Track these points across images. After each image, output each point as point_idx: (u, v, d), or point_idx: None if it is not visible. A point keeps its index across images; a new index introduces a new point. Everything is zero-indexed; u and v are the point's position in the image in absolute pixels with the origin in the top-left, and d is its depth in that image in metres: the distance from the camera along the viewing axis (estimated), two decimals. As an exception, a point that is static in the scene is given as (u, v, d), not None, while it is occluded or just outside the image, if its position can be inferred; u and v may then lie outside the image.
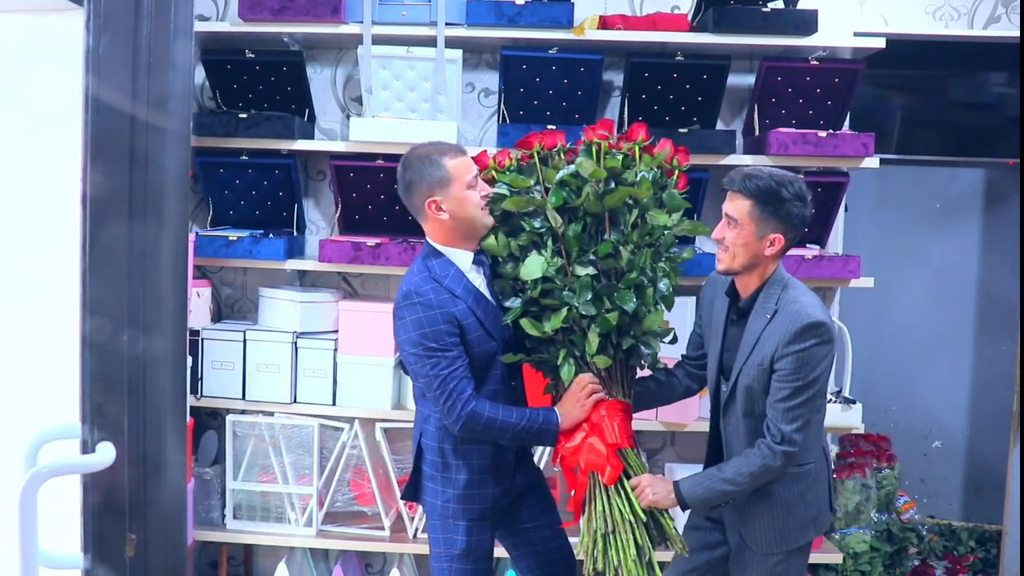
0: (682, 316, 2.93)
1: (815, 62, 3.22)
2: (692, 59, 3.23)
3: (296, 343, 3.27)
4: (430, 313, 2.20)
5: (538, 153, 2.39)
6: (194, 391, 3.29)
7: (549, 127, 3.16)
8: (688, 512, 2.41)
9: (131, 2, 1.41)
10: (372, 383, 3.24)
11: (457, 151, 2.29)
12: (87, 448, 1.41)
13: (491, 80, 3.50)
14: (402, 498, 2.48)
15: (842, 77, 3.26)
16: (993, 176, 4.20)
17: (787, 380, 2.18)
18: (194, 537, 3.30)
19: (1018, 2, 3.44)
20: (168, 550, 1.50)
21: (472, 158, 2.35)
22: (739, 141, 3.38)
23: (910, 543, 3.73)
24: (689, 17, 3.30)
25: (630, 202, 2.34)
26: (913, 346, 4.24)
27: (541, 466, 3.19)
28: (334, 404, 3.27)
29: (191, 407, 3.20)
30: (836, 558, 3.31)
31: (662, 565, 2.34)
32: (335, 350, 3.26)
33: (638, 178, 2.35)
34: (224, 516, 3.35)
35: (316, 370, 3.27)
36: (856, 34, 3.25)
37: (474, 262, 2.34)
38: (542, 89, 3.30)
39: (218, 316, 3.59)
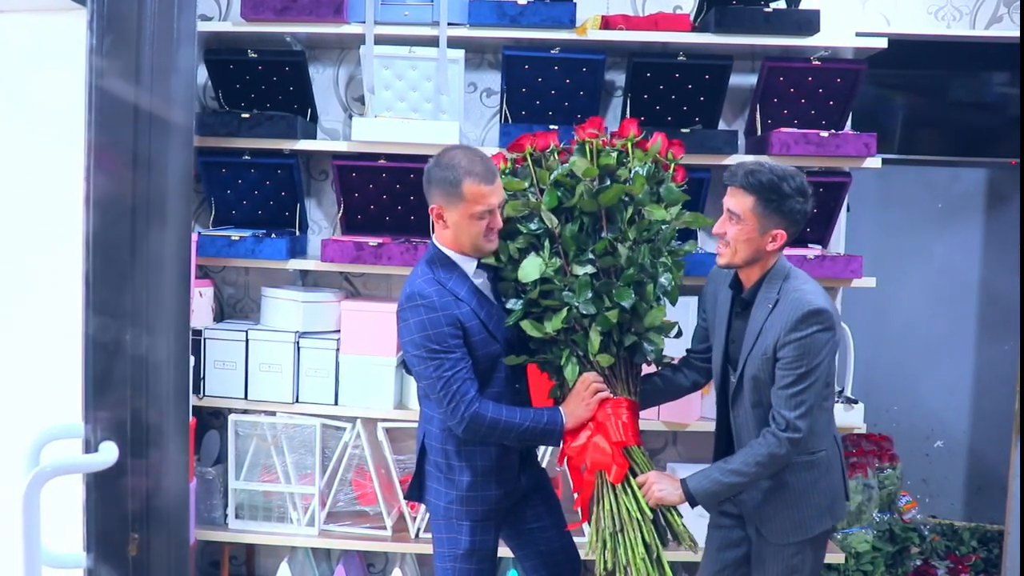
0: (685, 312, 2.93)
1: (817, 62, 3.22)
2: (694, 59, 3.23)
3: (298, 343, 3.27)
4: (433, 315, 2.21)
5: (531, 155, 2.39)
6: (196, 391, 3.29)
7: (551, 127, 3.17)
8: (699, 509, 2.41)
9: (134, 2, 1.41)
10: (374, 383, 3.24)
11: (482, 179, 2.20)
12: (90, 448, 1.41)
13: (493, 80, 3.50)
14: (406, 498, 2.48)
15: (844, 77, 3.26)
16: (995, 176, 4.19)
17: (790, 367, 2.18)
18: (196, 537, 3.31)
19: (1019, 2, 3.44)
20: (170, 549, 1.50)
21: None
22: (741, 141, 3.38)
23: (912, 543, 3.73)
24: (691, 17, 3.30)
25: (625, 199, 2.34)
26: (915, 346, 4.23)
27: (545, 466, 3.20)
28: (336, 404, 3.28)
29: (193, 407, 3.20)
30: (838, 558, 3.31)
31: (672, 564, 2.34)
32: (337, 350, 3.26)
33: (632, 174, 2.34)
34: (226, 516, 3.35)
35: (318, 370, 3.27)
36: (858, 34, 3.25)
37: (478, 265, 2.34)
38: (544, 89, 3.30)
39: (220, 316, 3.60)
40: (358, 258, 3.23)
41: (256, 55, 3.30)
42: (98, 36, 1.39)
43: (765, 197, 2.20)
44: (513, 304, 2.35)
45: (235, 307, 3.63)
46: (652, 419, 3.20)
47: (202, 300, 3.38)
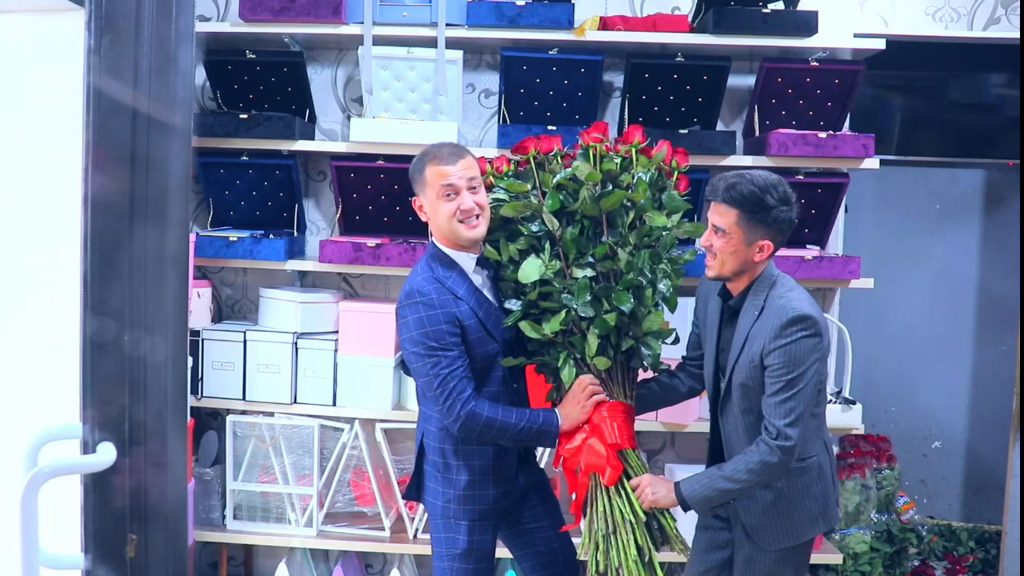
0: (684, 317, 2.93)
1: (815, 63, 3.22)
2: (692, 60, 3.23)
3: (296, 343, 3.27)
4: (432, 312, 2.22)
5: (534, 158, 2.40)
6: (194, 391, 3.29)
7: (550, 128, 3.17)
8: (691, 513, 2.41)
9: (132, 3, 1.41)
10: (372, 384, 3.24)
11: (442, 158, 2.27)
12: (88, 448, 1.41)
13: (492, 81, 3.50)
14: (404, 497, 2.49)
15: (842, 78, 3.27)
16: (993, 177, 4.20)
17: (777, 374, 2.18)
18: (194, 537, 3.30)
19: (1018, 3, 3.44)
20: (169, 550, 1.50)
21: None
22: (739, 142, 3.39)
23: (910, 543, 3.74)
24: (689, 18, 3.30)
25: (627, 204, 2.35)
26: (913, 347, 4.24)
27: (543, 467, 3.20)
28: (334, 405, 3.28)
29: (191, 407, 3.20)
30: (836, 558, 3.31)
31: (664, 566, 2.34)
32: (335, 351, 3.26)
33: (635, 180, 2.35)
34: (224, 516, 3.35)
35: (316, 370, 3.27)
36: (856, 35, 3.25)
37: (478, 263, 2.35)
38: (543, 90, 3.31)
39: (218, 316, 3.60)
40: (356, 259, 3.23)
41: (254, 56, 3.30)
42: (96, 36, 1.39)
43: (748, 210, 2.19)
44: (512, 305, 2.35)
45: (233, 308, 3.63)
46: (650, 420, 3.20)
47: (200, 301, 3.38)
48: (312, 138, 3.41)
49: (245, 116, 3.24)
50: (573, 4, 3.21)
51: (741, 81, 3.46)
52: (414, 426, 3.21)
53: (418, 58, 3.26)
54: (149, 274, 1.44)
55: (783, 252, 3.26)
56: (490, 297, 2.36)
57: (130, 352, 1.42)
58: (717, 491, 2.24)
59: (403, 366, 3.25)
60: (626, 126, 3.17)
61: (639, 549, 2.25)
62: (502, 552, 2.61)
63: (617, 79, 3.46)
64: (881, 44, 3.17)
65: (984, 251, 4.20)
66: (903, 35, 3.42)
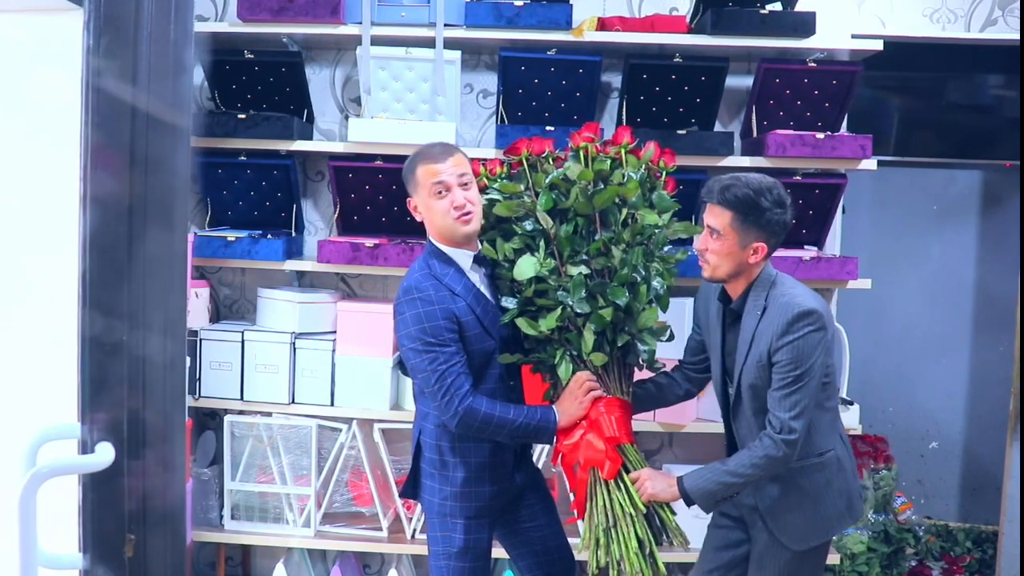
0: (679, 316, 2.94)
1: (813, 64, 3.23)
2: (690, 61, 3.23)
3: (294, 344, 3.27)
4: (429, 308, 2.23)
5: (527, 159, 2.42)
6: (192, 391, 3.28)
7: (548, 128, 3.18)
8: (697, 510, 2.41)
9: (131, 3, 1.41)
10: (370, 384, 3.24)
11: (432, 157, 2.30)
12: (86, 448, 1.41)
13: (490, 81, 3.51)
14: (401, 495, 2.49)
15: (840, 79, 3.27)
16: (990, 178, 4.21)
17: (785, 370, 2.19)
18: (192, 537, 3.30)
19: (1016, 5, 3.45)
20: (167, 550, 1.50)
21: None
22: (737, 143, 3.39)
23: (907, 544, 3.74)
24: (687, 19, 3.30)
25: (619, 201, 2.37)
26: (911, 347, 4.24)
27: (540, 465, 3.20)
28: (332, 405, 3.27)
29: (189, 407, 3.20)
30: (834, 559, 3.32)
31: (670, 567, 2.35)
32: (333, 351, 3.26)
33: (625, 179, 2.36)
34: (222, 516, 3.35)
35: (314, 371, 3.27)
36: (854, 36, 3.26)
37: (475, 261, 2.36)
38: (541, 90, 3.31)
39: (216, 317, 3.60)
40: (354, 259, 3.23)
41: (252, 56, 3.30)
42: (95, 36, 1.39)
43: (743, 212, 2.21)
44: (508, 302, 2.36)
45: (231, 308, 3.63)
46: (648, 420, 3.20)
47: (198, 301, 3.38)
48: (310, 138, 3.40)
49: (243, 116, 3.23)
50: (571, 5, 3.21)
51: (739, 82, 3.46)
52: (412, 426, 3.21)
53: (416, 58, 3.26)
54: (148, 274, 1.44)
55: (781, 253, 3.27)
56: (487, 294, 2.37)
57: (129, 352, 1.42)
58: (720, 485, 2.25)
59: (401, 366, 3.26)
60: (622, 126, 3.17)
61: (639, 542, 2.26)
62: (499, 552, 2.61)
63: (615, 80, 3.46)
64: (879, 45, 3.17)
65: (981, 252, 4.21)
66: (901, 36, 3.42)
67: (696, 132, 3.22)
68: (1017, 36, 3.42)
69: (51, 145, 1.66)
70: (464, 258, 2.34)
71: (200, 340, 3.28)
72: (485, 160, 2.50)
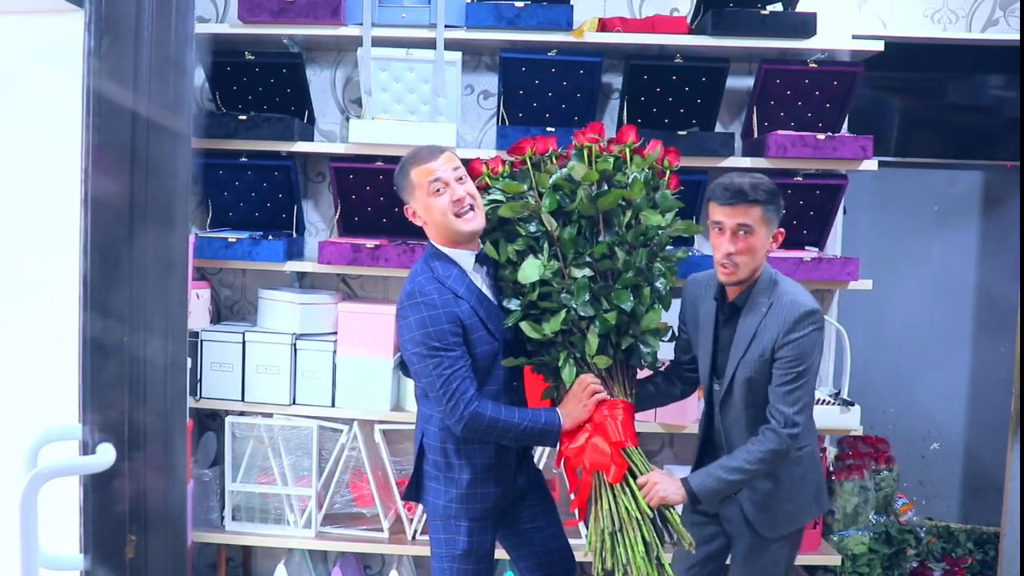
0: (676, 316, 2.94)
1: (814, 65, 3.23)
2: (691, 61, 3.24)
3: (295, 345, 3.27)
4: (434, 312, 2.21)
5: (530, 158, 2.41)
6: (193, 393, 3.29)
7: (548, 129, 3.17)
8: (681, 509, 2.45)
9: (132, 4, 1.41)
10: (371, 385, 3.24)
11: (424, 158, 2.29)
12: (87, 449, 1.41)
13: (490, 82, 3.51)
14: (403, 498, 2.48)
15: (841, 80, 3.27)
16: (991, 178, 4.20)
17: (789, 366, 2.27)
18: (193, 538, 3.30)
19: (1016, 5, 3.45)
20: (168, 551, 1.50)
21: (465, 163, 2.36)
22: (738, 143, 3.39)
23: (908, 545, 3.74)
24: (688, 20, 3.30)
25: (623, 203, 2.36)
26: (911, 348, 4.24)
27: (541, 466, 3.20)
28: (333, 406, 3.28)
29: (190, 408, 3.20)
30: (835, 560, 3.32)
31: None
32: (334, 352, 3.26)
33: (630, 179, 2.36)
34: (223, 517, 3.35)
35: (315, 372, 3.27)
36: (854, 37, 3.26)
37: (477, 261, 2.35)
38: (541, 91, 3.31)
39: (217, 318, 3.60)
40: (355, 260, 3.23)
41: (253, 57, 3.30)
42: (96, 38, 1.39)
43: (770, 202, 2.29)
44: (511, 304, 2.35)
45: (232, 309, 3.63)
46: (648, 421, 3.20)
47: (199, 302, 3.38)
48: (311, 139, 3.41)
49: (244, 117, 3.24)
50: (572, 6, 3.21)
51: (740, 83, 3.46)
52: (413, 427, 3.20)
53: (417, 59, 3.27)
54: (149, 275, 1.44)
55: (782, 253, 3.27)
56: (490, 296, 2.36)
57: (130, 353, 1.42)
58: (726, 482, 2.30)
59: (402, 367, 3.25)
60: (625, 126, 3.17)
61: (647, 545, 2.25)
62: (500, 553, 2.61)
63: (616, 80, 3.46)
64: (879, 46, 3.18)
65: (982, 252, 4.20)
66: (901, 37, 3.43)
67: (697, 133, 3.22)
68: (1018, 36, 3.42)
69: (52, 146, 1.65)
70: (466, 258, 2.33)
71: (201, 341, 3.29)
72: (487, 160, 2.49)
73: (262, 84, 3.39)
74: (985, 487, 4.20)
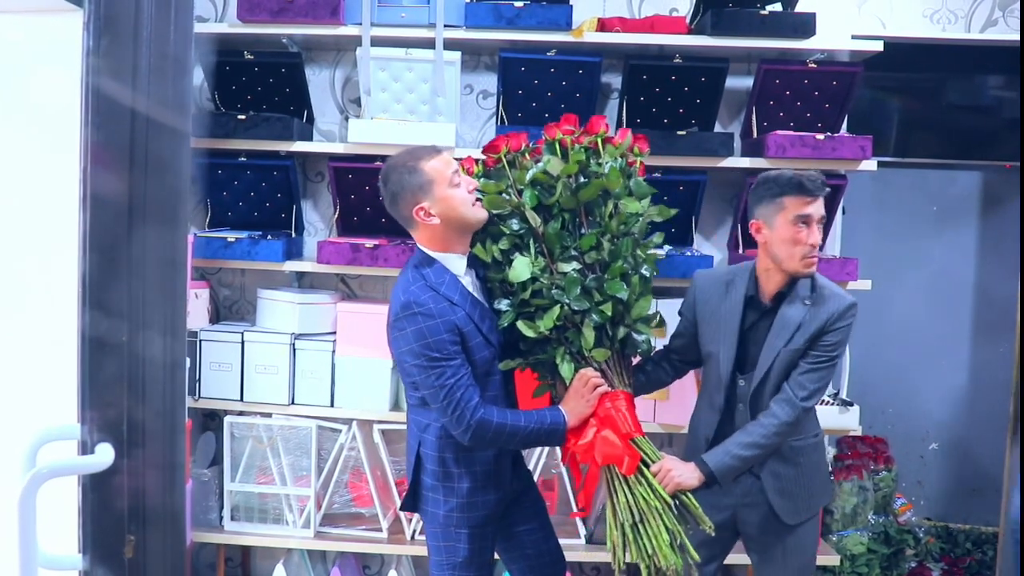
0: (670, 305, 2.94)
1: (813, 65, 3.23)
2: (690, 61, 3.24)
3: (294, 344, 3.27)
4: (431, 322, 2.16)
5: (505, 156, 2.38)
6: (192, 392, 3.28)
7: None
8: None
9: (131, 3, 1.41)
10: (370, 384, 3.24)
11: (431, 152, 2.25)
12: (86, 449, 1.41)
13: (490, 82, 3.51)
14: (401, 509, 2.44)
15: (840, 80, 3.27)
16: (990, 179, 4.21)
17: (827, 351, 2.37)
18: (192, 538, 3.30)
19: (1016, 5, 3.45)
20: (167, 551, 1.50)
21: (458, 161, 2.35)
22: (737, 143, 3.39)
23: (907, 545, 3.74)
24: (687, 20, 3.30)
25: (602, 193, 2.34)
26: (910, 348, 4.24)
27: (541, 466, 3.20)
28: (332, 406, 3.27)
29: (189, 408, 3.20)
30: (833, 560, 3.32)
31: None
32: (333, 351, 3.26)
33: (606, 169, 2.34)
34: (222, 517, 3.35)
35: (314, 371, 3.27)
36: (854, 37, 3.26)
37: (468, 265, 2.32)
38: (541, 91, 3.31)
39: (216, 317, 3.60)
40: (354, 260, 3.23)
41: (252, 56, 3.30)
42: (95, 37, 1.39)
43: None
44: (501, 304, 2.33)
45: (231, 309, 3.63)
46: (648, 421, 3.20)
47: (198, 302, 3.37)
48: (310, 139, 3.41)
49: (243, 117, 3.24)
50: (571, 6, 3.21)
51: (739, 83, 3.46)
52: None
53: (416, 59, 3.26)
54: (148, 274, 1.44)
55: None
56: (482, 300, 2.32)
57: (129, 353, 1.42)
58: (743, 459, 2.35)
59: (404, 370, 3.25)
60: (624, 127, 3.17)
61: (670, 533, 2.25)
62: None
63: (615, 80, 3.46)
64: (879, 46, 3.18)
65: (981, 253, 4.20)
66: (901, 37, 3.43)
67: (696, 133, 3.22)
68: (1017, 37, 3.42)
69: (51, 146, 1.66)
70: (458, 263, 2.28)
71: (200, 341, 3.28)
72: (461, 159, 2.46)
73: (261, 84, 3.39)
74: (984, 487, 4.20)
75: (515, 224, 2.32)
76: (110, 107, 1.40)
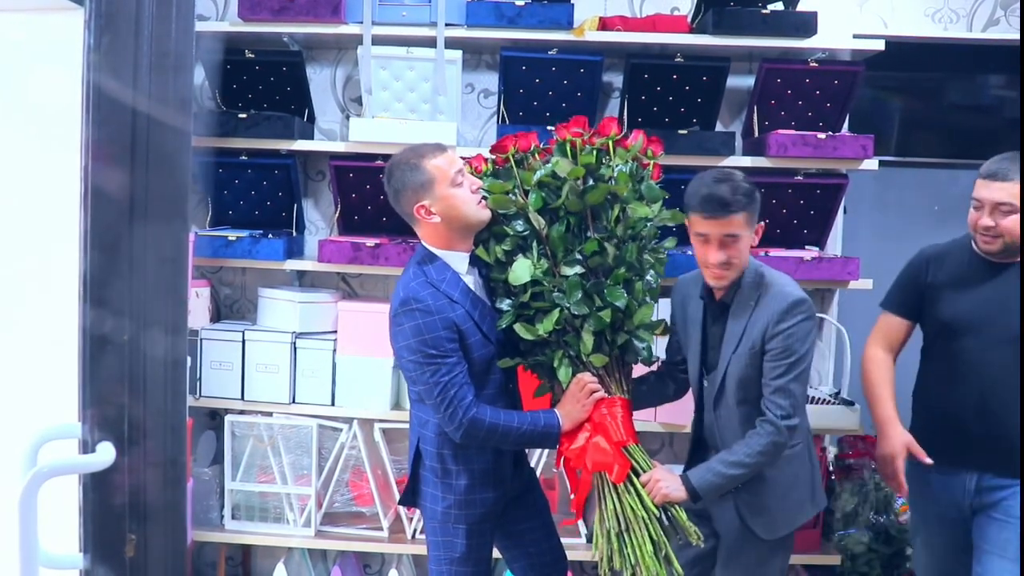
0: (668, 310, 2.93)
1: (814, 64, 3.23)
2: (692, 61, 3.23)
3: (295, 343, 3.27)
4: (429, 319, 2.17)
5: (513, 156, 2.38)
6: (193, 391, 3.28)
7: (549, 128, 3.17)
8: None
9: (132, 2, 1.41)
10: (371, 384, 3.24)
11: (436, 150, 2.25)
12: (87, 448, 1.41)
13: (491, 81, 3.50)
14: (400, 503, 2.46)
15: (841, 79, 3.27)
16: (992, 178, 4.20)
17: (780, 358, 2.26)
18: (192, 537, 3.30)
19: (1017, 5, 3.45)
20: (167, 550, 1.50)
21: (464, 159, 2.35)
22: (738, 143, 3.39)
23: (908, 545, 3.73)
24: (689, 19, 3.30)
25: (610, 197, 2.33)
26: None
27: (541, 466, 3.20)
28: (333, 404, 3.27)
29: (190, 407, 3.19)
30: (834, 560, 3.32)
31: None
32: (334, 350, 3.26)
33: (615, 172, 2.33)
34: (223, 516, 3.35)
35: (315, 370, 3.27)
36: (855, 36, 3.26)
37: (470, 263, 2.32)
38: (542, 90, 3.30)
39: (217, 316, 3.59)
40: (355, 259, 3.23)
41: (253, 55, 3.30)
42: (96, 35, 1.39)
43: (752, 206, 2.28)
44: (503, 304, 2.33)
45: (232, 307, 3.63)
46: (648, 420, 3.20)
47: (199, 300, 3.38)
48: (311, 138, 3.40)
49: (244, 116, 3.23)
50: (572, 4, 3.21)
51: (740, 82, 3.46)
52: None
53: (417, 58, 3.26)
54: (149, 273, 1.43)
55: (782, 253, 3.27)
56: (483, 298, 2.33)
57: (130, 351, 1.41)
58: (727, 477, 2.28)
59: (401, 366, 3.25)
60: (625, 126, 3.17)
61: (654, 544, 2.24)
62: (497, 552, 2.61)
63: (616, 79, 3.46)
64: (880, 45, 3.17)
65: (983, 252, 4.20)
66: (902, 36, 3.42)
67: (697, 132, 3.22)
68: (1019, 36, 3.41)
69: (51, 144, 1.65)
70: (460, 261, 2.29)
71: (201, 340, 3.28)
72: (470, 159, 2.45)
73: (262, 82, 3.39)
74: (985, 487, 4.19)
75: (519, 225, 2.31)
76: (111, 105, 1.40)
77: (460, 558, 2.32)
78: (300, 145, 3.27)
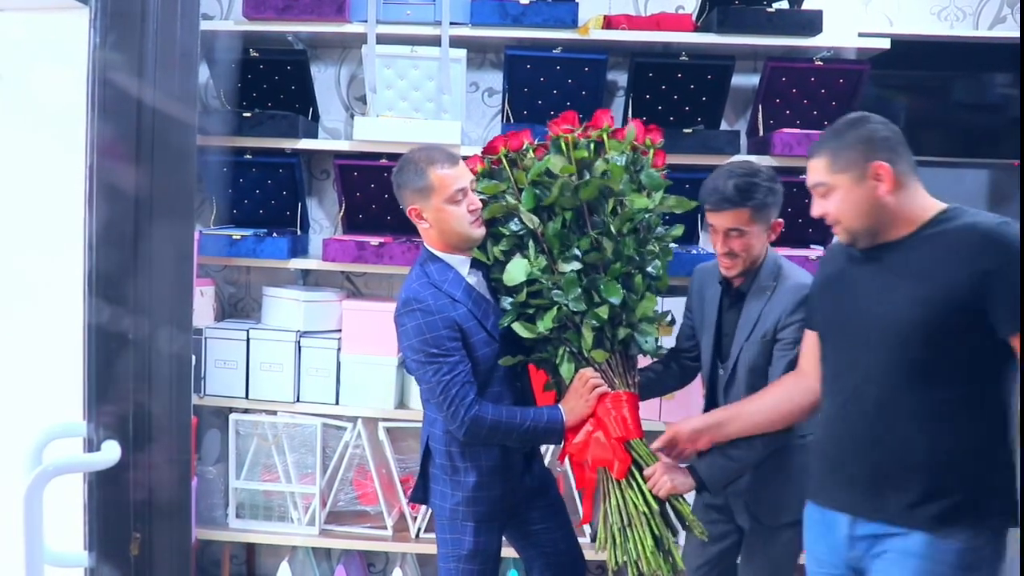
0: (679, 301, 2.93)
1: (820, 62, 3.22)
2: (696, 59, 3.23)
3: (299, 342, 3.27)
4: (430, 319, 2.20)
5: (505, 156, 2.37)
6: (197, 390, 3.29)
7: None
8: (692, 501, 2.44)
9: (137, 1, 1.41)
10: (375, 382, 3.24)
11: (447, 161, 2.25)
12: (92, 447, 1.41)
13: (495, 79, 3.50)
14: (410, 500, 2.48)
15: (847, 77, 3.26)
16: (998, 177, 4.18)
17: (790, 348, 2.28)
18: (197, 536, 3.30)
19: (1020, 3, 3.43)
20: (172, 549, 1.50)
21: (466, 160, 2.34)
22: (743, 141, 3.38)
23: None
24: (693, 17, 3.29)
25: (605, 191, 2.32)
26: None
27: (547, 463, 3.19)
28: (337, 403, 3.27)
29: (194, 406, 3.20)
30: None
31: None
32: (338, 349, 3.26)
33: (609, 165, 2.31)
34: (227, 515, 3.35)
35: (319, 369, 3.27)
36: (861, 34, 3.25)
37: (472, 264, 2.33)
38: (546, 89, 3.30)
39: (221, 315, 3.60)
40: (359, 257, 3.23)
41: (258, 54, 3.30)
42: (101, 34, 1.39)
43: (762, 202, 2.29)
44: (507, 302, 2.33)
45: (236, 306, 3.63)
46: (653, 419, 3.19)
47: (203, 299, 3.38)
48: (315, 136, 3.41)
49: (248, 114, 3.23)
50: (577, 3, 3.20)
51: (745, 80, 3.45)
52: (417, 425, 3.20)
53: (421, 56, 3.26)
54: (154, 271, 1.43)
55: (787, 251, 3.26)
56: (487, 296, 2.34)
57: (135, 350, 1.42)
58: (733, 465, 2.29)
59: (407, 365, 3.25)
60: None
61: (656, 539, 2.23)
62: (505, 552, 2.61)
63: (621, 78, 3.45)
64: (886, 43, 3.17)
65: (988, 251, 4.18)
66: (908, 34, 3.41)
67: (702, 131, 3.21)
68: (1025, 34, 3.40)
69: (57, 143, 1.65)
70: (462, 263, 2.31)
71: (205, 338, 3.29)
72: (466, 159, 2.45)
73: (266, 81, 3.39)
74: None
75: (514, 225, 2.31)
76: (116, 103, 1.40)
77: (468, 555, 2.33)
78: (304, 144, 3.27)
